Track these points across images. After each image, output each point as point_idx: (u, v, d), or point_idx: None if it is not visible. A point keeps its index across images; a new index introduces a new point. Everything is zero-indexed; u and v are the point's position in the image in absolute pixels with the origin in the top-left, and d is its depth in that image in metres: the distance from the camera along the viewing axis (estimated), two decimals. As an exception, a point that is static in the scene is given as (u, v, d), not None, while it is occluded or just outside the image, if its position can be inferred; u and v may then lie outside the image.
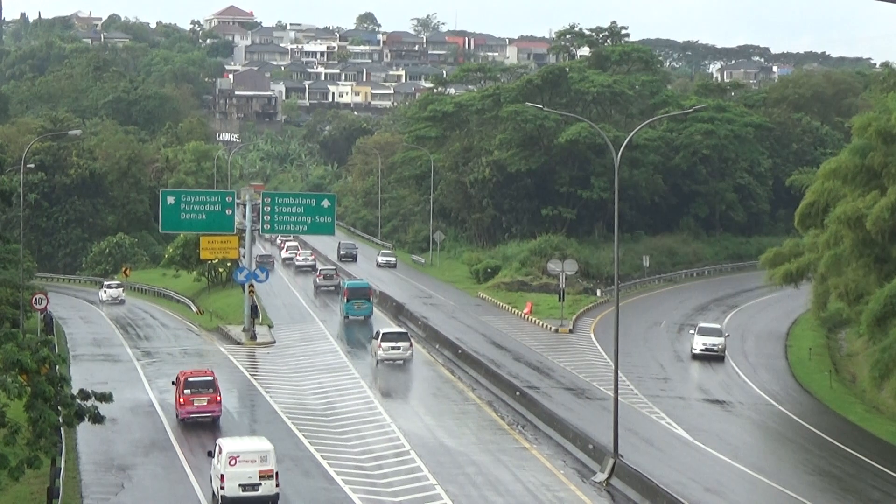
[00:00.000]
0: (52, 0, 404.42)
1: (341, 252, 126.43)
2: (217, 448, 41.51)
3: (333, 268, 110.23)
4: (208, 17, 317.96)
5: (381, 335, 69.56)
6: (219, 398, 53.28)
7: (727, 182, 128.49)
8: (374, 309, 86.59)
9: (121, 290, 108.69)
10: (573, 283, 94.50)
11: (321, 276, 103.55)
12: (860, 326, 64.17)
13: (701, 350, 72.04)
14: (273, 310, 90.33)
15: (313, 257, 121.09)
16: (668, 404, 59.67)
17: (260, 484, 40.01)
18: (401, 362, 68.70)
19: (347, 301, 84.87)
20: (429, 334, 77.28)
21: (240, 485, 39.88)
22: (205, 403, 52.82)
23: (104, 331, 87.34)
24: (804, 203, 71.74)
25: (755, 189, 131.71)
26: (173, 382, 56.05)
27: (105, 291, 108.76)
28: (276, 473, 40.32)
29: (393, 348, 68.81)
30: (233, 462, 40.08)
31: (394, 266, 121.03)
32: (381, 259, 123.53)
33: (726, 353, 72.39)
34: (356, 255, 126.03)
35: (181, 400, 53.11)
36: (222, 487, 40.06)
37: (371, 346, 71.16)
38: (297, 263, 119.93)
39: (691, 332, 76.19)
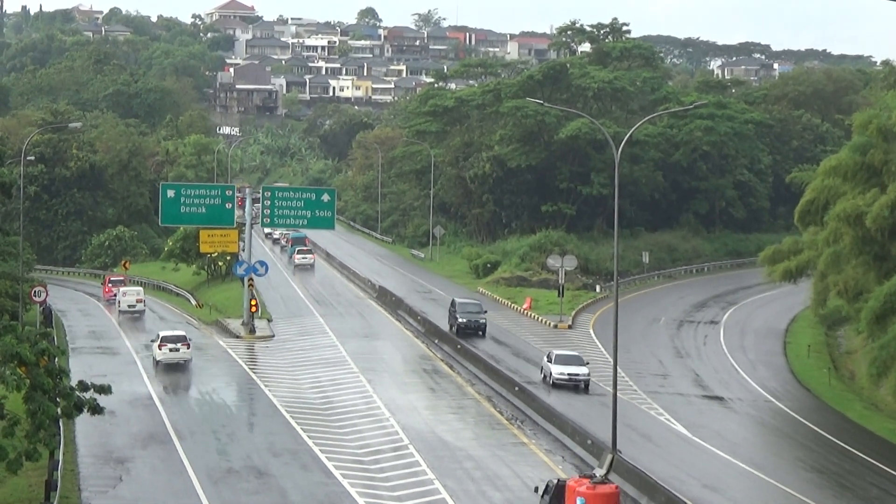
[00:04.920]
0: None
1: (460, 320, 75.11)
2: (119, 291, 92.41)
3: (288, 233, 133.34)
4: (209, 10, 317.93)
5: (295, 250, 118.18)
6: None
7: (727, 179, 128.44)
8: (373, 303, 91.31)
9: None
10: (572, 278, 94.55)
11: (284, 239, 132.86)
12: (859, 324, 64.27)
13: None
14: (272, 303, 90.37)
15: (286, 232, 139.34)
16: (666, 400, 59.70)
17: (136, 305, 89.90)
18: (308, 266, 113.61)
19: (291, 246, 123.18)
20: (428, 329, 77.25)
21: (127, 305, 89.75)
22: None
23: (103, 323, 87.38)
24: (804, 200, 71.76)
25: (755, 186, 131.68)
26: (102, 282, 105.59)
27: None
28: (144, 300, 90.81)
29: (302, 258, 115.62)
30: (124, 295, 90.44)
31: (584, 383, 59.64)
32: (560, 372, 59.77)
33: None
34: (484, 324, 75.88)
35: (105, 290, 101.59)
36: (119, 304, 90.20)
37: (291, 258, 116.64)
38: (273, 237, 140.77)
39: None
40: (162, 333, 68.01)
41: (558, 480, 38.74)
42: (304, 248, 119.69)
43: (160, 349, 66.04)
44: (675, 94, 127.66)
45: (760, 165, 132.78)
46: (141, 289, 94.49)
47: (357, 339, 75.67)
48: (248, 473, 44.31)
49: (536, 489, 40.05)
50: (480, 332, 75.00)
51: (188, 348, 66.44)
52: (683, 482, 43.83)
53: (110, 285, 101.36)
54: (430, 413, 55.52)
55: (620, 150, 48.67)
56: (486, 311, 77.27)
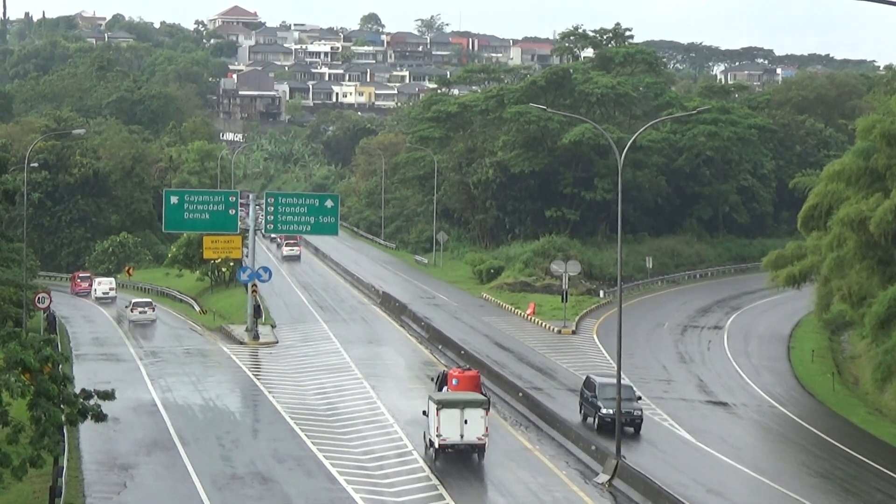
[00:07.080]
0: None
1: (603, 410, 51.47)
2: (95, 280, 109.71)
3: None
4: (212, 17, 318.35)
5: (284, 241, 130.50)
6: (92, 285, 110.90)
7: (730, 184, 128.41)
8: (377, 309, 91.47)
9: None
10: (576, 284, 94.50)
11: (280, 237, 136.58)
12: (863, 329, 64.20)
13: None
14: (276, 309, 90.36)
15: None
16: (670, 406, 59.65)
17: (109, 293, 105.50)
18: (295, 256, 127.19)
19: (283, 242, 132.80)
20: (432, 335, 77.25)
21: (102, 292, 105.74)
22: (86, 286, 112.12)
23: (106, 330, 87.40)
24: (807, 205, 71.74)
25: (758, 191, 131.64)
26: (69, 278, 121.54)
27: None
28: (115, 289, 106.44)
29: (290, 249, 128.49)
30: (99, 284, 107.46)
31: None
32: None
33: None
34: (640, 417, 52.49)
35: (74, 284, 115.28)
36: (95, 292, 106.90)
37: (280, 250, 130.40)
38: (271, 236, 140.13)
39: None
40: (133, 300, 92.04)
41: (443, 371, 56.68)
42: (292, 240, 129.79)
43: (132, 312, 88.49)
44: (678, 100, 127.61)
45: (764, 170, 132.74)
46: (112, 279, 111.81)
47: (361, 345, 75.68)
48: (253, 480, 44.31)
49: (432, 379, 55.37)
50: (634, 429, 51.88)
51: (153, 311, 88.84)
52: (688, 487, 43.82)
53: (79, 280, 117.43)
54: (434, 419, 55.42)
55: (624, 155, 48.69)
56: (640, 397, 54.66)
